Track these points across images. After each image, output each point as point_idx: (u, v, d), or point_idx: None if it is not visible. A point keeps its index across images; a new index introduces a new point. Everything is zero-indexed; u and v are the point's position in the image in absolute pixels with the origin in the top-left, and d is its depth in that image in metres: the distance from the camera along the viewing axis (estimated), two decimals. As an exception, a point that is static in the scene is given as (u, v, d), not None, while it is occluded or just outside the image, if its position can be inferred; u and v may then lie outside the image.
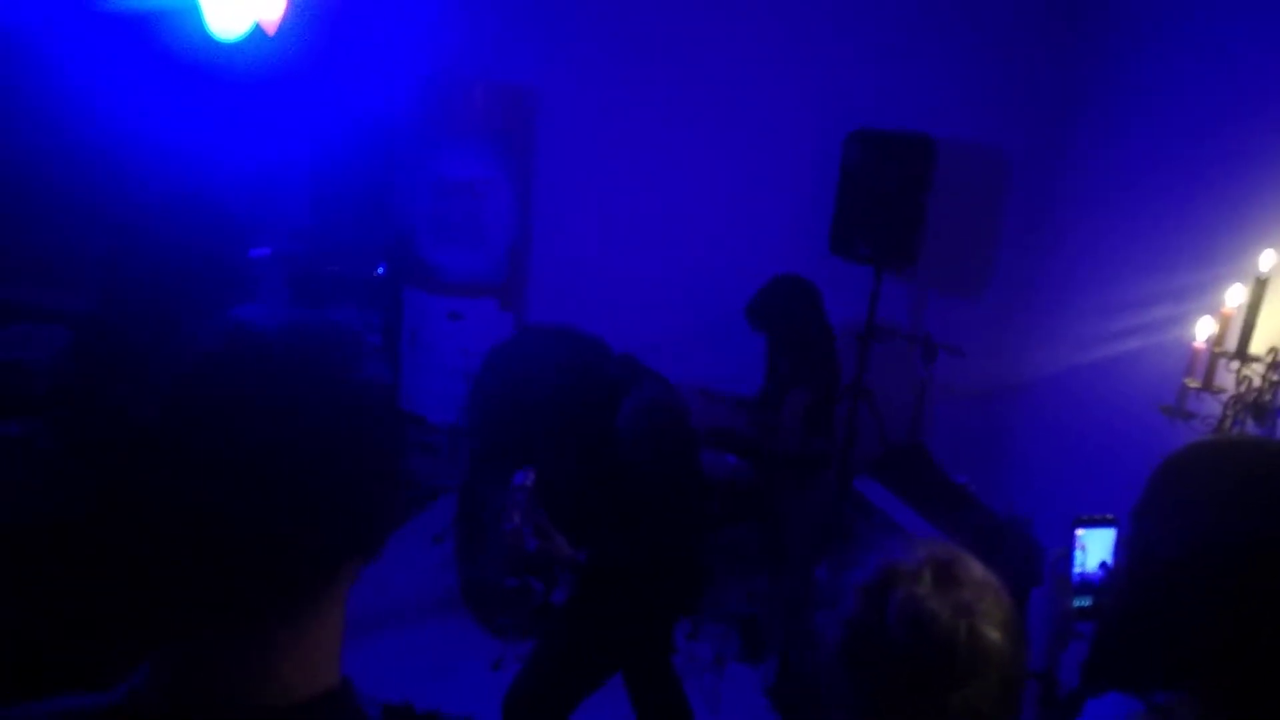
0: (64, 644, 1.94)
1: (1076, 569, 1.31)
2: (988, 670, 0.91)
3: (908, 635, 0.91)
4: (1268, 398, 2.22)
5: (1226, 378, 2.30)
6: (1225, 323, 2.29)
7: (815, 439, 3.52)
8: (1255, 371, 2.24)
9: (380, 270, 4.51)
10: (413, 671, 3.12)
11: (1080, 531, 1.31)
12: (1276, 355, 2.21)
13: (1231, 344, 2.27)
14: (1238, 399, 2.26)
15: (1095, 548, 1.31)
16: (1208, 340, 2.30)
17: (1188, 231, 2.62)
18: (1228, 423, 2.26)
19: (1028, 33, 3.55)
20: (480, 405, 1.92)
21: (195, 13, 2.52)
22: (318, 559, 0.73)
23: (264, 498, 0.69)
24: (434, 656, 3.25)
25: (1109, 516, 1.31)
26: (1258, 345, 2.24)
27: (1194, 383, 2.33)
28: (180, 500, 0.70)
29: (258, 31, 2.64)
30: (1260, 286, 2.20)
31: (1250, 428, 2.24)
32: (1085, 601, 1.30)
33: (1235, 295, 2.29)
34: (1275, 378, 2.21)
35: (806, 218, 3.82)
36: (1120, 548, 1.18)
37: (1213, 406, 2.31)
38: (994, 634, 0.92)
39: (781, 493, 3.63)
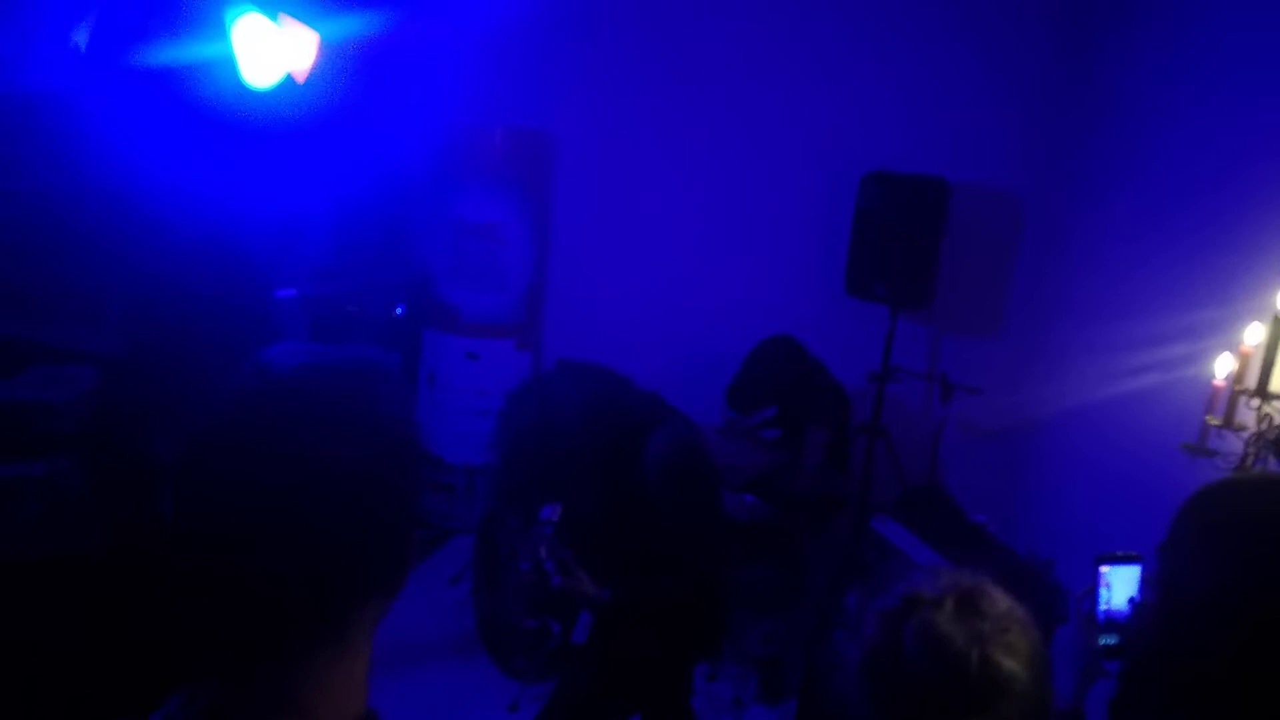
0: (91, 679, 1.95)
1: (1102, 606, 1.30)
2: (1005, 700, 0.91)
3: (922, 659, 0.92)
4: (1289, 435, 2.21)
5: (1247, 415, 2.29)
6: (1245, 360, 2.29)
7: (834, 477, 3.51)
8: (1276, 409, 2.24)
9: (399, 311, 4.56)
10: (428, 713, 3.09)
11: (1104, 568, 1.31)
12: (1297, 393, 2.21)
13: (1251, 381, 2.27)
14: (1259, 436, 2.25)
15: (1120, 585, 1.31)
16: (1227, 378, 2.30)
17: (1205, 269, 2.63)
18: (1250, 460, 2.25)
19: (1042, 73, 3.61)
20: (506, 440, 1.93)
21: (228, 64, 2.61)
22: (342, 593, 0.74)
23: (288, 533, 0.70)
24: (449, 698, 3.22)
25: (1133, 554, 1.31)
26: (1278, 383, 2.24)
27: (1215, 420, 2.32)
28: (204, 536, 0.71)
29: (287, 80, 2.73)
30: (1278, 325, 2.20)
31: (1272, 465, 2.22)
32: (1112, 639, 1.29)
33: (1254, 333, 2.29)
34: (1296, 415, 2.20)
35: (822, 258, 3.85)
36: (1146, 585, 1.18)
37: (1234, 444, 2.30)
38: (1012, 664, 0.91)
39: (800, 532, 3.60)
